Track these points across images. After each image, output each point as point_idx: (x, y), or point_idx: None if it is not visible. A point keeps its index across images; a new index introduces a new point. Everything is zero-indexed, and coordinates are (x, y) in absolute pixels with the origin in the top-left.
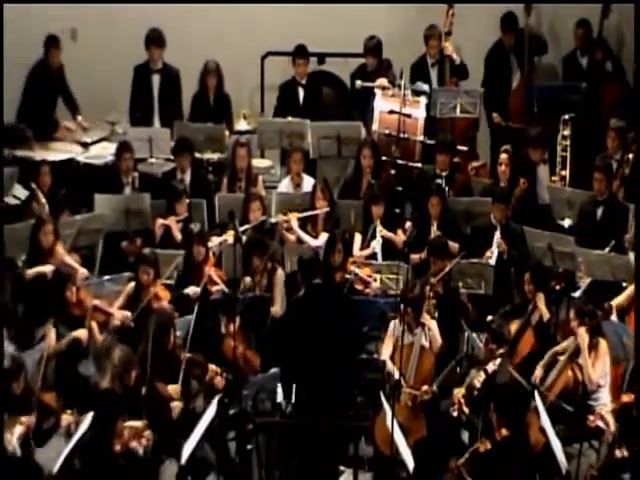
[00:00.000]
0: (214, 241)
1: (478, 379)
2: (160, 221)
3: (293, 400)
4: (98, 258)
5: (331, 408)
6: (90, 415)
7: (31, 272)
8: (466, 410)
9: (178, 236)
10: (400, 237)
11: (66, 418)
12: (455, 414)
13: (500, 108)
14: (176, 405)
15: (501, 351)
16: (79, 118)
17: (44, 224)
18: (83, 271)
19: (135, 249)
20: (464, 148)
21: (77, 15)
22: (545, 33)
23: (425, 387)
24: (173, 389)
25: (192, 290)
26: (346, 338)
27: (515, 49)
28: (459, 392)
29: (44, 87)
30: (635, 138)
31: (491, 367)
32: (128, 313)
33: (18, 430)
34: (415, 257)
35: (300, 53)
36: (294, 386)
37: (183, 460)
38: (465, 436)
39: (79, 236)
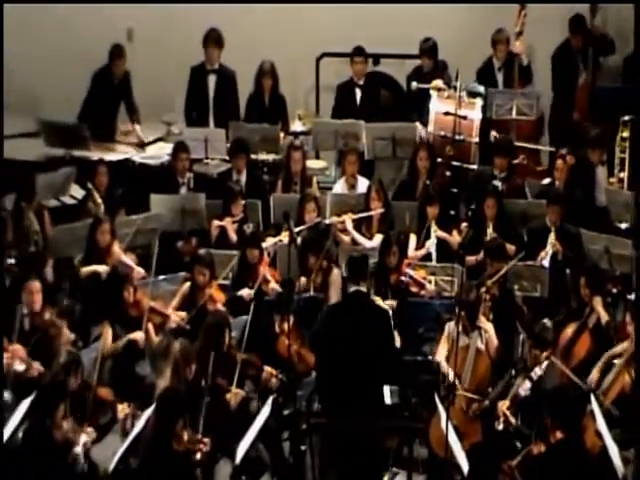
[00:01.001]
0: (269, 241)
1: (523, 388)
2: (216, 222)
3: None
4: (154, 258)
5: (385, 410)
6: (146, 414)
7: (85, 270)
8: (513, 421)
9: (233, 237)
10: (455, 238)
11: (122, 409)
12: (501, 427)
13: (567, 108)
14: (235, 393)
15: (545, 354)
16: (137, 127)
17: (101, 223)
18: (139, 270)
19: (190, 249)
20: (524, 144)
21: (134, 15)
22: (612, 34)
23: (475, 405)
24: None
25: (246, 292)
26: (401, 339)
27: (582, 50)
28: (503, 405)
29: (107, 93)
30: None
31: (537, 372)
32: (183, 314)
33: (83, 439)
34: (471, 259)
35: (358, 52)
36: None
37: (237, 460)
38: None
39: (135, 236)
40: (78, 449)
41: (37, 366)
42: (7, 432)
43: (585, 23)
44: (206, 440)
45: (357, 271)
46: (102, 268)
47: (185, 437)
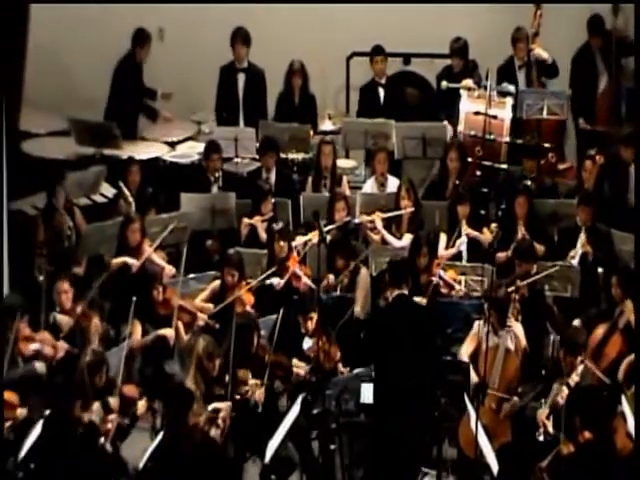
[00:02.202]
0: (298, 240)
1: (562, 395)
2: (246, 220)
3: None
4: (184, 257)
5: (414, 409)
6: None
7: (116, 262)
8: (551, 430)
9: (263, 236)
10: (486, 236)
11: (142, 405)
12: (542, 438)
13: (586, 111)
14: (254, 384)
15: (580, 359)
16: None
17: (132, 222)
18: (170, 269)
19: (218, 248)
20: (549, 145)
21: (164, 15)
22: (633, 34)
23: (507, 406)
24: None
25: (276, 281)
26: (430, 340)
27: (602, 51)
28: (542, 414)
29: (130, 82)
30: None
31: (574, 379)
32: (210, 305)
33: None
34: (501, 255)
35: (378, 52)
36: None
37: (267, 459)
38: None
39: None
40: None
41: (62, 345)
42: (37, 430)
43: (604, 24)
44: (223, 414)
45: (398, 275)
46: (132, 260)
47: (202, 420)
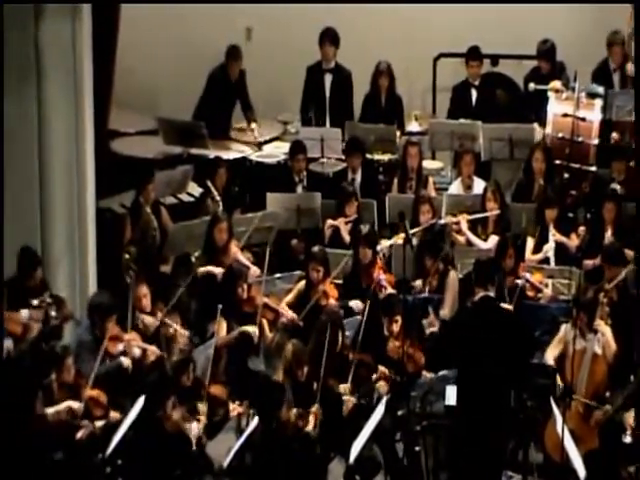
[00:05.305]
0: (384, 244)
1: None
2: (329, 222)
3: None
4: (267, 256)
5: (499, 412)
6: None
7: (202, 270)
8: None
9: (346, 237)
10: (574, 241)
11: (235, 408)
12: (629, 440)
13: None
14: (348, 399)
15: None
16: (253, 125)
17: (219, 221)
18: (255, 269)
19: (303, 247)
20: None
21: (251, 15)
22: None
23: (598, 414)
24: (344, 387)
25: (355, 304)
26: (516, 342)
27: None
28: (630, 417)
29: (223, 93)
30: None
31: None
32: (294, 315)
33: (194, 428)
34: (588, 263)
35: (473, 54)
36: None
37: (351, 459)
38: None
39: (252, 234)
40: (193, 432)
41: (154, 349)
42: (125, 426)
43: None
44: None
45: (485, 275)
46: (217, 270)
47: (292, 417)
